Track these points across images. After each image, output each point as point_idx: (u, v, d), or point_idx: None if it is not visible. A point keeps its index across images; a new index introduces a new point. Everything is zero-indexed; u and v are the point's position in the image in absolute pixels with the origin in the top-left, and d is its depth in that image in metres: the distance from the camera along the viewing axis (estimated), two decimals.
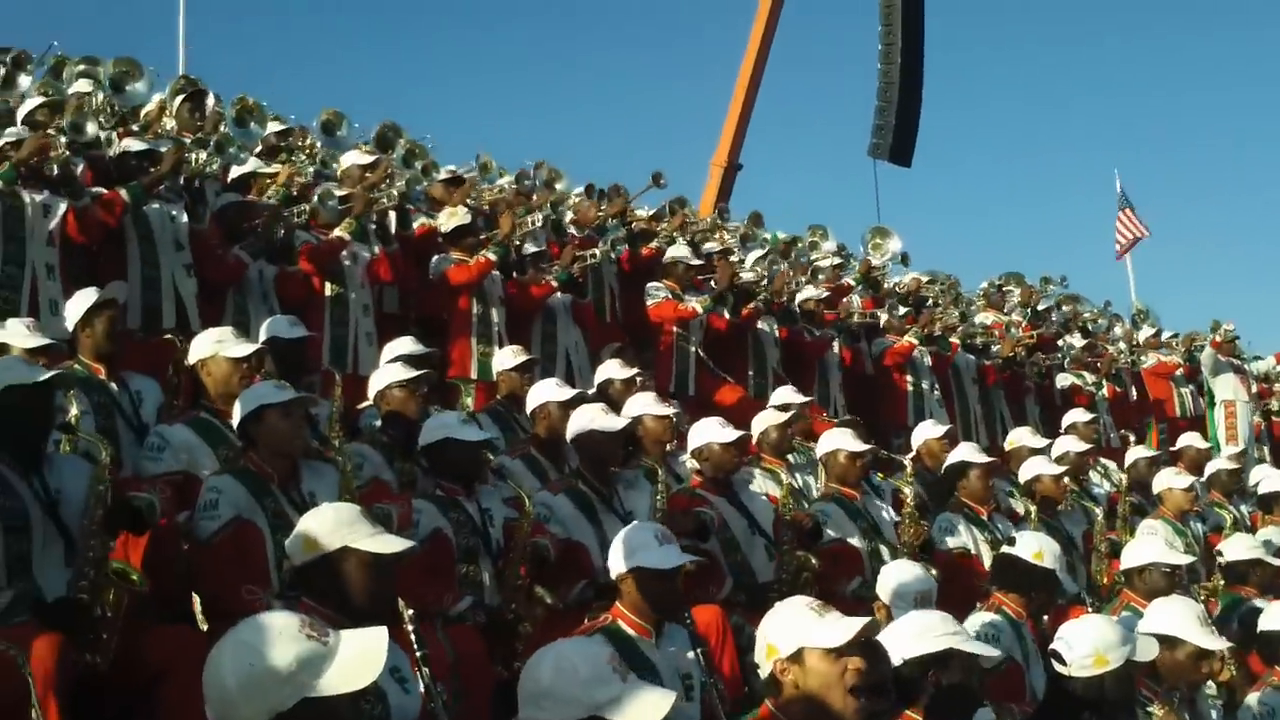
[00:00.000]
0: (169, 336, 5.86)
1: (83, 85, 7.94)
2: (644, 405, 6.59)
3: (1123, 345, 13.70)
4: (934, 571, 5.98)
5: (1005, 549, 5.61)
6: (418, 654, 3.69)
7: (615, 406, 6.51)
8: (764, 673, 3.35)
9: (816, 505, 6.69)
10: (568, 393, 6.53)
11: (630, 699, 2.84)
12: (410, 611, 3.67)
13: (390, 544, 3.76)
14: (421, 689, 3.73)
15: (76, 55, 8.45)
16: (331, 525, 3.75)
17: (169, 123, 8.34)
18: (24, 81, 7.43)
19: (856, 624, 3.26)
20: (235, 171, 8.10)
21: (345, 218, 7.89)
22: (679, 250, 9.84)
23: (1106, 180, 21.27)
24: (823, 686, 3.23)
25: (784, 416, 7.35)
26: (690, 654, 4.47)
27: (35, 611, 4.03)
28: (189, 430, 5.33)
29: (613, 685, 2.84)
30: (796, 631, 3.29)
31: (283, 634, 2.40)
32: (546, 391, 6.56)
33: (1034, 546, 5.48)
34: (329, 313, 7.79)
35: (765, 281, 10.22)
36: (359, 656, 2.42)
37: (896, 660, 3.66)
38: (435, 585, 5.05)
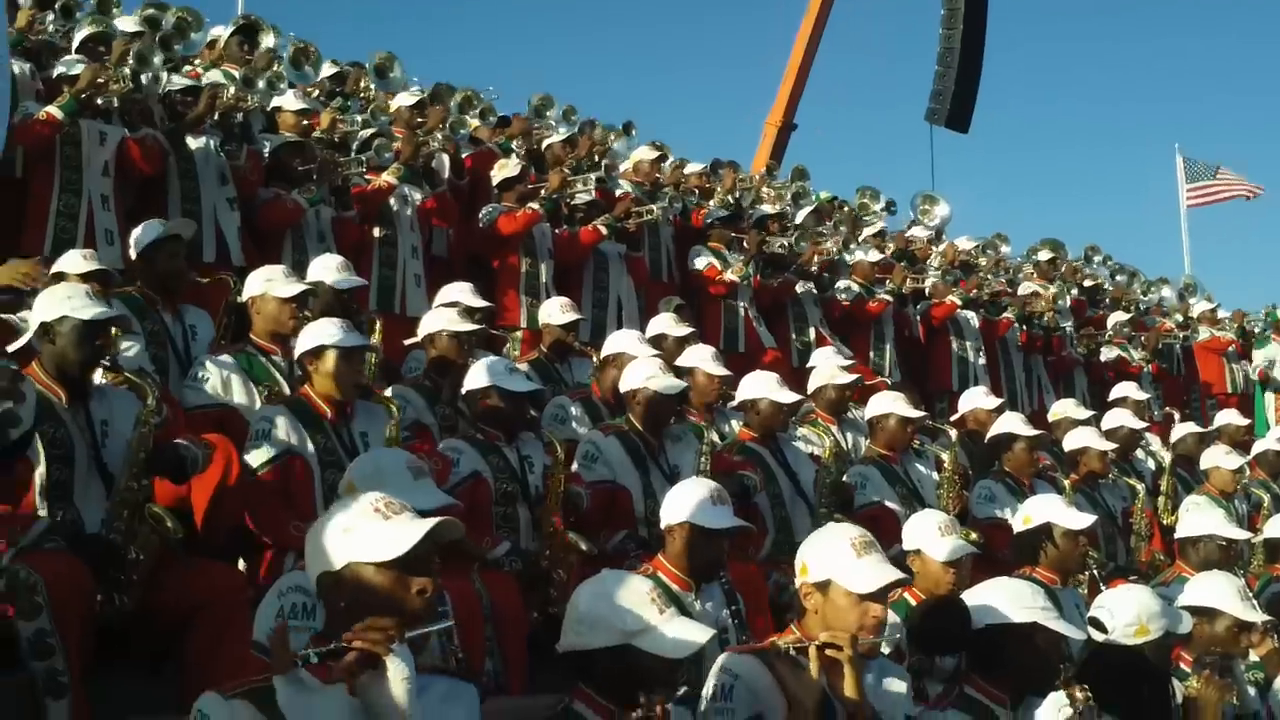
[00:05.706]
0: (224, 277, 5.87)
1: (128, 23, 7.75)
2: (699, 359, 6.55)
3: (1179, 317, 13.50)
4: (975, 536, 5.97)
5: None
6: None
7: (666, 362, 6.40)
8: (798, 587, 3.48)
9: (856, 468, 6.62)
10: (645, 351, 6.46)
11: (664, 630, 3.00)
12: None
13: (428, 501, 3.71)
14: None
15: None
16: (371, 475, 3.74)
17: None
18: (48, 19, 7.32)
19: (888, 575, 3.39)
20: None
21: (393, 163, 7.89)
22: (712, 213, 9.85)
23: (1166, 151, 20.86)
24: (840, 623, 3.37)
25: (848, 378, 7.20)
26: (725, 611, 4.49)
27: (69, 543, 4.01)
28: (234, 364, 5.36)
29: (647, 615, 2.99)
30: (830, 562, 3.41)
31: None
32: (623, 343, 6.60)
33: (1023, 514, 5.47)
34: (377, 254, 7.83)
35: (797, 247, 10.15)
36: None
37: (980, 624, 3.68)
38: (472, 530, 5.07)
